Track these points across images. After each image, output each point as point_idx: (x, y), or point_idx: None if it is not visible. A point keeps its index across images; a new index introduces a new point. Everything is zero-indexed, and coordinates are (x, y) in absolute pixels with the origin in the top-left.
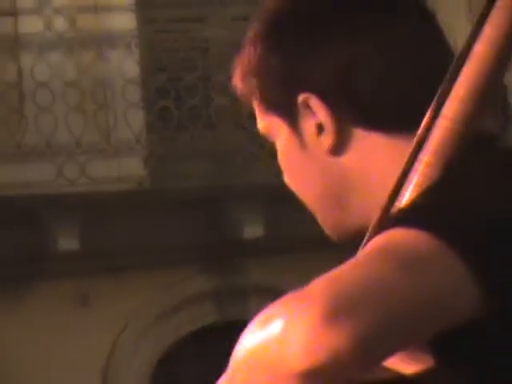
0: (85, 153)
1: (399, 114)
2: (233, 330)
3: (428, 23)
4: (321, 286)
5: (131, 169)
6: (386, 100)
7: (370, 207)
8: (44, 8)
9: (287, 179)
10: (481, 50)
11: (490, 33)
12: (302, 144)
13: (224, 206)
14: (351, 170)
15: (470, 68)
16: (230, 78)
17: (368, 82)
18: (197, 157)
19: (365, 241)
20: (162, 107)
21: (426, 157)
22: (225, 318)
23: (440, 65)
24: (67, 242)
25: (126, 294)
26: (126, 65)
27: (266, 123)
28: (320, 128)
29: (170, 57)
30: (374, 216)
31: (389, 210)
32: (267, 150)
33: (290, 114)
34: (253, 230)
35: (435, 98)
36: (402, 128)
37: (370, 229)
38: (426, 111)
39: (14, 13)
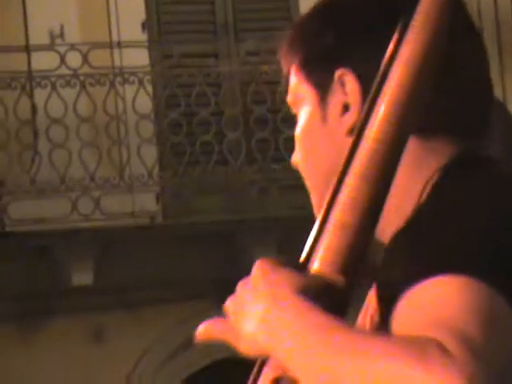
0: (99, 188)
1: (428, 118)
2: (246, 363)
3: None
4: (464, 354)
5: (144, 204)
6: (422, 101)
7: None
8: (57, 44)
9: (297, 153)
10: (399, 68)
11: (406, 51)
12: (324, 118)
13: (237, 240)
14: None
15: (390, 87)
16: (242, 113)
17: None
18: (209, 192)
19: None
20: (174, 142)
21: (351, 180)
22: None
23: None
24: (81, 277)
25: (140, 329)
26: (139, 100)
27: (297, 92)
28: (345, 108)
29: (183, 92)
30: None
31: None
32: (279, 184)
33: (323, 86)
34: None
35: (358, 120)
36: (428, 133)
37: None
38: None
39: (27, 49)
